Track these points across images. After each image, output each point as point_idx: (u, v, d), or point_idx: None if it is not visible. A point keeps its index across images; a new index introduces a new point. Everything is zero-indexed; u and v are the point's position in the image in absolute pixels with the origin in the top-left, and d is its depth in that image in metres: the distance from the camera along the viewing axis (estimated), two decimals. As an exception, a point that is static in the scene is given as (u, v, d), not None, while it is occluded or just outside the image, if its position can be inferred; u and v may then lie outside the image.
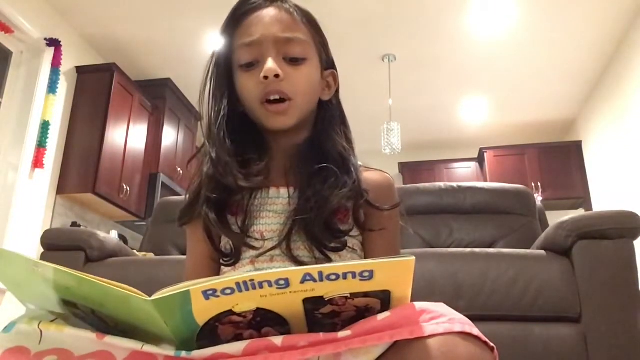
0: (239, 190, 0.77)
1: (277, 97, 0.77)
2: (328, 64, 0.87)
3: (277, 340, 0.53)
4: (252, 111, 0.80)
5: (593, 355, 1.28)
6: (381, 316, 0.54)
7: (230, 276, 0.49)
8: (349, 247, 0.77)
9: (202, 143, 0.83)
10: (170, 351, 0.54)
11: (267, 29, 0.78)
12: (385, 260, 0.50)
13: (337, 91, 0.88)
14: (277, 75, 0.75)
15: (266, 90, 0.77)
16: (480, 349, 0.55)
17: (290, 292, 0.51)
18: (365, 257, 0.81)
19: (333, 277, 0.50)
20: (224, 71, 0.82)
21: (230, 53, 0.81)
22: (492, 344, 0.57)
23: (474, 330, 0.55)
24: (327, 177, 0.76)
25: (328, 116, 0.85)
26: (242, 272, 0.76)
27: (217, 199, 0.77)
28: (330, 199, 0.74)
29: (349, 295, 0.53)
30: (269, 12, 0.80)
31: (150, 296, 0.50)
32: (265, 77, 0.75)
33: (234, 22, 0.81)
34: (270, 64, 0.75)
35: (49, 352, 0.56)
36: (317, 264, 0.74)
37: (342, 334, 0.53)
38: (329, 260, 0.75)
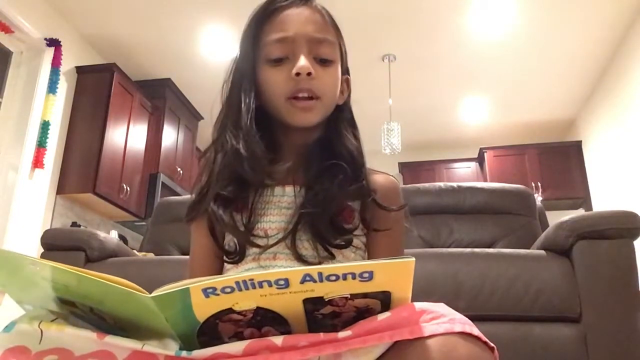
0: (259, 186, 0.77)
1: (306, 94, 0.77)
2: (343, 70, 0.88)
3: (278, 340, 0.53)
4: (276, 107, 0.80)
5: (593, 355, 1.28)
6: (381, 316, 0.54)
7: (230, 275, 0.49)
8: (353, 246, 0.77)
9: (213, 138, 0.82)
10: (170, 351, 0.54)
11: (302, 27, 0.79)
12: (385, 261, 0.50)
13: (349, 96, 0.89)
14: (309, 74, 0.76)
15: (297, 87, 0.77)
16: (481, 349, 0.55)
17: (290, 292, 0.51)
18: (369, 258, 0.81)
19: (333, 277, 0.50)
20: (250, 64, 0.81)
21: (255, 47, 0.81)
22: (492, 344, 0.57)
23: (474, 330, 0.55)
24: (336, 174, 0.77)
25: (340, 118, 0.85)
26: (242, 271, 0.77)
27: (226, 196, 0.77)
28: (338, 195, 0.74)
29: (349, 296, 0.53)
30: (303, 11, 0.81)
31: (150, 294, 0.51)
32: (298, 74, 0.76)
33: (264, 17, 0.81)
34: (304, 61, 0.76)
35: (50, 352, 0.56)
36: (320, 262, 0.74)
37: (342, 334, 0.53)
38: (333, 257, 0.75)
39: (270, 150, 0.79)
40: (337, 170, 0.77)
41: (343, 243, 0.75)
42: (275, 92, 0.78)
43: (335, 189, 0.75)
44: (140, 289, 0.51)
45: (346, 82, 0.88)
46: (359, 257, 0.79)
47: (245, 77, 0.81)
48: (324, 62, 0.79)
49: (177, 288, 0.50)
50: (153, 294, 0.50)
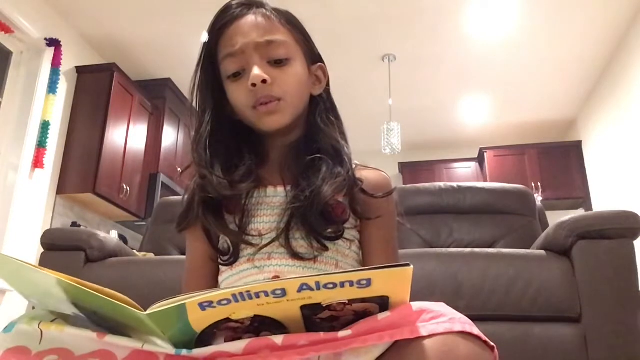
0: (226, 197, 0.78)
1: (267, 100, 0.78)
2: (315, 59, 0.87)
3: (278, 339, 0.53)
4: (246, 117, 0.81)
5: (593, 355, 1.28)
6: (381, 316, 0.54)
7: (226, 289, 0.49)
8: (346, 239, 0.77)
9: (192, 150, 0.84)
10: (170, 350, 0.54)
11: (246, 37, 0.78)
12: (383, 269, 0.50)
13: (328, 84, 0.88)
14: (264, 81, 0.76)
15: (257, 96, 0.77)
16: (481, 348, 0.55)
17: (287, 300, 0.51)
18: (363, 252, 0.81)
19: (330, 285, 0.50)
20: (211, 84, 0.83)
21: (216, 65, 0.82)
22: (492, 343, 0.57)
23: (474, 329, 0.55)
24: (320, 168, 0.77)
25: (319, 109, 0.85)
26: (237, 272, 0.77)
27: (213, 201, 0.78)
28: (324, 188, 0.74)
29: (347, 302, 0.53)
30: (247, 20, 0.80)
31: (148, 303, 0.50)
32: (254, 85, 0.76)
33: (216, 35, 0.82)
34: (256, 70, 0.76)
35: (50, 352, 0.56)
36: (315, 257, 0.74)
37: (342, 333, 0.53)
38: (326, 249, 0.75)
39: (260, 156, 0.82)
40: (321, 164, 0.78)
41: (334, 235, 0.75)
42: (241, 105, 0.80)
43: (320, 183, 0.75)
44: (135, 304, 0.51)
45: (321, 70, 0.87)
46: (353, 252, 0.79)
47: (202, 98, 0.83)
48: (279, 63, 0.79)
49: (172, 304, 0.49)
50: (148, 311, 0.50)
